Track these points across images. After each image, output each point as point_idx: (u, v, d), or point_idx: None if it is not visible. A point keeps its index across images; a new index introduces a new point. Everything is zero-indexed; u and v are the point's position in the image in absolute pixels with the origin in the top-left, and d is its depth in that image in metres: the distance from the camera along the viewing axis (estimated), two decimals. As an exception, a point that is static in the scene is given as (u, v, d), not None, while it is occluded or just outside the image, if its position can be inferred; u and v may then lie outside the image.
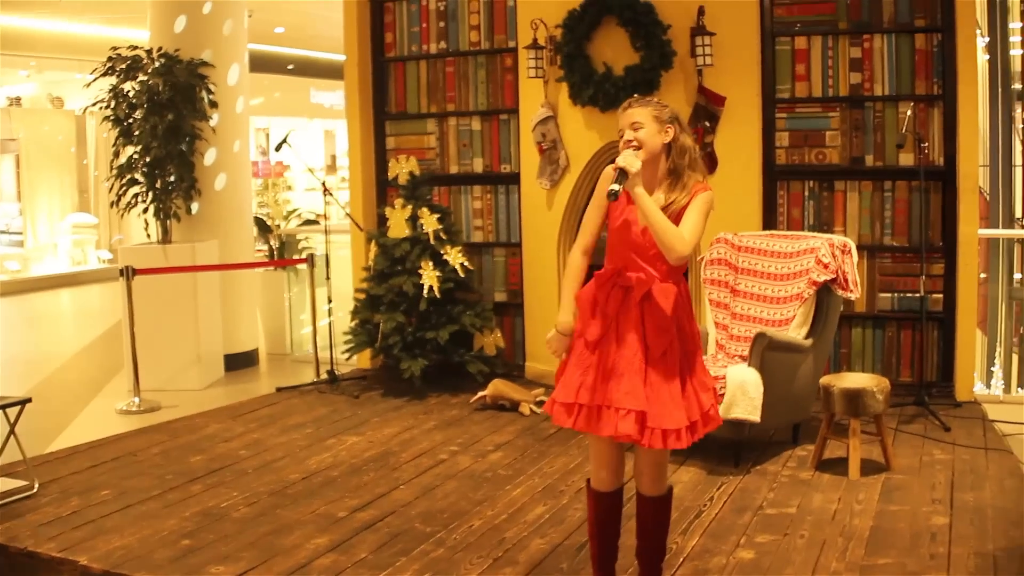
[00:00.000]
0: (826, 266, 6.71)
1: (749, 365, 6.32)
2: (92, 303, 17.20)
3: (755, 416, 6.17)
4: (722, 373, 6.26)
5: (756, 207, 8.13)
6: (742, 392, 6.15)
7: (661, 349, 4.17)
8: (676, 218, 4.12)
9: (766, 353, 6.30)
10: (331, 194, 9.47)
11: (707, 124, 8.00)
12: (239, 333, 10.58)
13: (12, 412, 6.44)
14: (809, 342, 6.68)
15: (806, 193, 8.18)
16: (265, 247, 11.88)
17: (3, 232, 22.50)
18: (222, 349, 10.20)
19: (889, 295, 8.07)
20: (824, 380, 6.26)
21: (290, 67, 25.26)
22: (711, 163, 8.02)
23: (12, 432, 6.46)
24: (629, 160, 4.08)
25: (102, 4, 17.68)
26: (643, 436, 4.12)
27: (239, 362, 10.50)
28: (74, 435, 8.11)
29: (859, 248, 7.71)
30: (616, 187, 4.04)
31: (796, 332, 6.73)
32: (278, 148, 9.46)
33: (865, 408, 6.05)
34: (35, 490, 6.38)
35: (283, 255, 11.48)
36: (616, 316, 4.24)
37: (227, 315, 10.26)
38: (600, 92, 8.08)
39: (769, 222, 8.19)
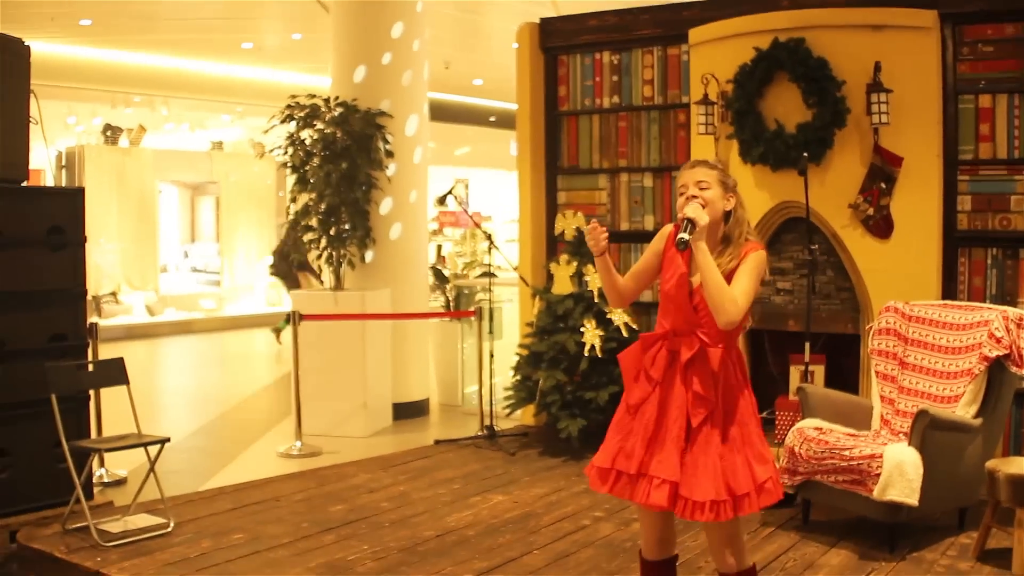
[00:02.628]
0: (999, 340, 6.27)
1: (909, 444, 5.93)
2: (282, 344, 17.50)
3: (912, 499, 5.77)
4: (880, 451, 5.89)
5: (934, 275, 7.68)
6: (899, 473, 5.77)
7: (700, 417, 4.03)
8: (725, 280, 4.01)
9: (928, 432, 5.90)
10: (496, 247, 9.36)
11: (883, 186, 7.63)
12: (409, 382, 10.56)
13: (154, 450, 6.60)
14: (978, 422, 6.24)
15: (989, 261, 7.71)
16: (442, 298, 11.83)
17: (201, 271, 23.13)
18: (391, 398, 10.19)
19: (1077, 372, 7.53)
20: (990, 464, 5.81)
21: (492, 119, 25.45)
22: (887, 227, 7.64)
23: (152, 470, 6.54)
24: (698, 212, 3.99)
25: (303, 53, 18.09)
26: (675, 507, 4.00)
27: (409, 411, 10.47)
28: (231, 475, 8.23)
29: (1044, 321, 7.25)
30: (686, 236, 3.95)
31: (964, 410, 6.30)
32: (442, 201, 9.42)
33: (1034, 497, 5.60)
34: (170, 529, 6.45)
35: (459, 307, 11.41)
36: (661, 380, 4.12)
37: (398, 364, 10.26)
38: (771, 150, 7.78)
39: (949, 291, 7.74)
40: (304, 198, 10.00)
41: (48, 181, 18.20)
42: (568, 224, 8.85)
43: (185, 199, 24.49)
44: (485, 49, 18.70)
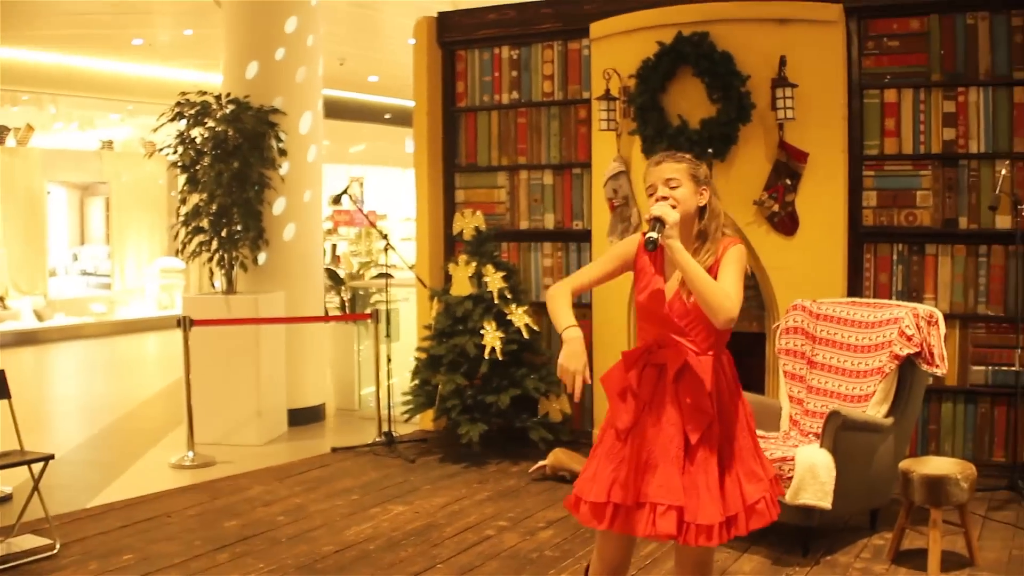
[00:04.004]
0: (909, 338, 6.16)
1: (821, 446, 5.79)
2: (174, 348, 17.06)
3: (825, 502, 5.63)
4: (791, 454, 5.74)
5: (840, 271, 7.60)
6: (812, 476, 5.63)
7: (699, 432, 3.71)
8: None
9: (840, 433, 5.76)
10: (393, 247, 9.11)
11: (788, 182, 7.51)
12: (305, 387, 10.24)
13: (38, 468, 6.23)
14: (889, 421, 6.13)
15: (895, 257, 7.64)
16: (337, 299, 11.53)
17: (91, 274, 22.60)
18: (285, 404, 9.86)
19: (982, 368, 7.46)
20: (903, 464, 5.70)
21: (387, 116, 25.15)
22: (792, 223, 7.54)
23: (35, 489, 6.22)
24: (665, 210, 3.67)
25: (195, 49, 17.71)
26: (681, 533, 3.66)
27: (305, 417, 10.15)
28: (121, 489, 7.81)
29: (951, 317, 7.17)
30: (655, 235, 3.62)
31: (875, 409, 6.18)
32: (337, 200, 9.16)
33: (948, 497, 5.48)
34: (56, 551, 6.11)
35: (354, 309, 11.14)
36: (650, 399, 3.78)
37: (293, 369, 9.93)
38: (675, 146, 7.57)
39: (855, 288, 7.66)
40: (195, 199, 9.66)
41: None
42: (467, 223, 8.62)
43: (74, 200, 23.93)
44: (380, 45, 18.39)
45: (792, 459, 5.70)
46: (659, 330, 3.83)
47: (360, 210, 10.90)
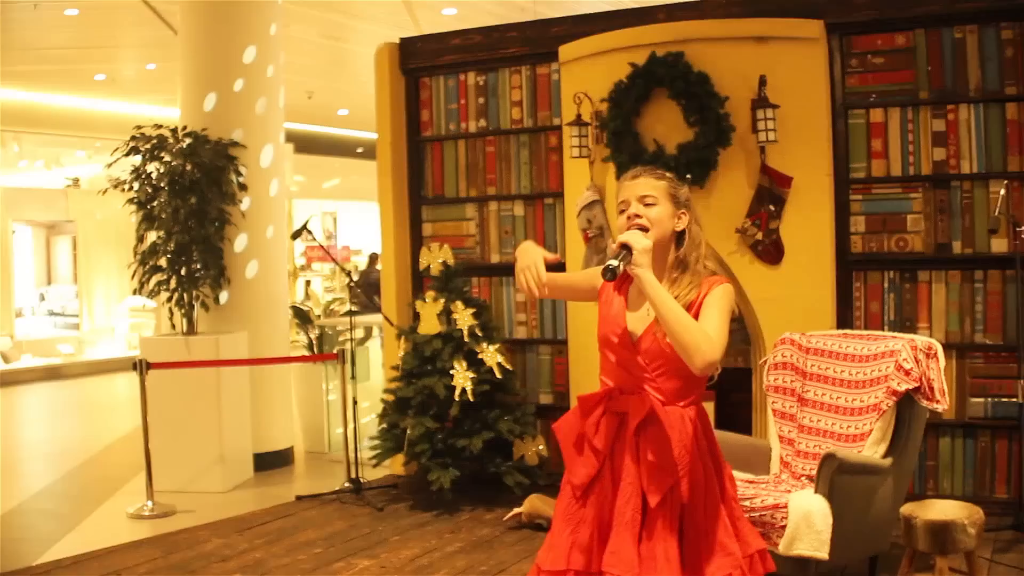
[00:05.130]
0: (908, 372, 5.74)
1: (816, 491, 5.37)
2: (143, 390, 16.69)
3: (823, 552, 5.20)
4: (784, 500, 5.32)
5: (829, 301, 7.22)
6: (807, 524, 5.19)
7: (660, 494, 3.28)
8: None
9: (836, 477, 5.34)
10: (358, 286, 8.69)
11: (772, 208, 7.12)
12: (272, 430, 9.78)
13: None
14: (888, 462, 5.71)
15: (885, 285, 7.27)
16: (304, 338, 11.08)
17: (59, 314, 22.21)
18: (251, 448, 9.40)
19: (981, 400, 7.10)
20: (906, 509, 5.28)
21: (359, 150, 24.84)
22: (777, 252, 7.14)
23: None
24: (635, 237, 3.27)
25: (159, 84, 17.40)
26: None
27: (272, 462, 9.69)
28: (75, 542, 7.32)
29: (947, 347, 6.74)
30: (615, 263, 3.22)
31: (873, 449, 5.76)
32: (296, 236, 8.74)
33: (954, 544, 5.07)
34: (-6, 615, 5.65)
35: (322, 347, 10.71)
36: (610, 452, 3.38)
37: (258, 411, 9.48)
38: (651, 173, 7.23)
39: (844, 318, 7.28)
40: (152, 236, 9.24)
41: None
42: (434, 258, 8.21)
43: (40, 239, 23.55)
44: (349, 77, 18.07)
45: (785, 506, 5.27)
46: (622, 374, 3.44)
47: (322, 247, 10.43)
